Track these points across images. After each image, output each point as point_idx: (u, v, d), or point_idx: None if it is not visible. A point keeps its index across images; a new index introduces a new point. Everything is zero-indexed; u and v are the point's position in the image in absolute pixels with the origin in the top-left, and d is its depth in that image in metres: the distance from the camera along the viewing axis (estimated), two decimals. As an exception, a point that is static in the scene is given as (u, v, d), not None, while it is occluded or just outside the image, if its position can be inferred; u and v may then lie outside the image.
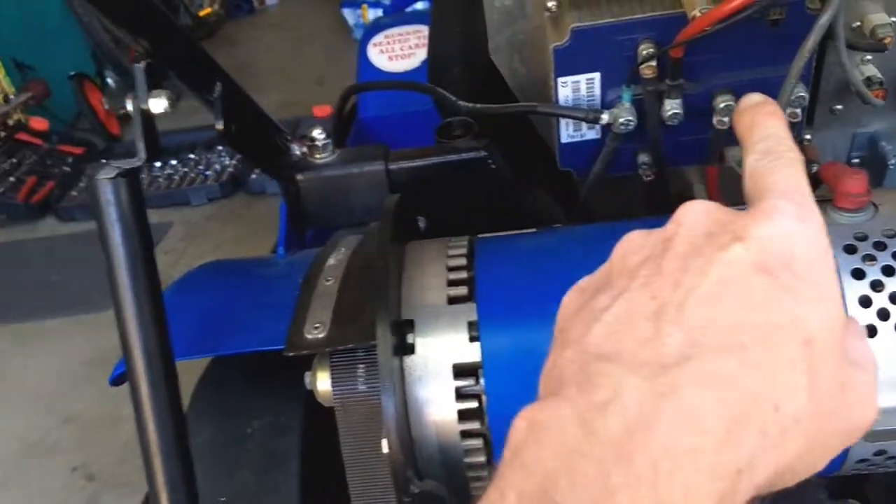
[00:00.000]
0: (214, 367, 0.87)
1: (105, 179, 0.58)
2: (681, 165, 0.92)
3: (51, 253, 2.79)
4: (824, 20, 0.72)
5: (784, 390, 0.33)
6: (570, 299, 0.40)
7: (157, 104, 0.59)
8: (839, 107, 0.94)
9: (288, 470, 0.78)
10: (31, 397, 2.11)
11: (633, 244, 0.39)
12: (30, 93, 3.43)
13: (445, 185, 0.97)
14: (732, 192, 0.97)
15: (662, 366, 0.32)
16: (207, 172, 3.02)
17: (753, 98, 0.47)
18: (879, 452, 0.66)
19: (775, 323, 0.33)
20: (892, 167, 0.94)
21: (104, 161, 0.59)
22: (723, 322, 0.33)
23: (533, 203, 1.03)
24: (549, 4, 0.85)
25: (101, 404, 1.90)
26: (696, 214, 0.38)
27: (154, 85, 0.59)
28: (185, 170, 3.06)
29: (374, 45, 2.28)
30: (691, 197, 1.07)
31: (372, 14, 4.27)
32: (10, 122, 3.41)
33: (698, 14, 0.74)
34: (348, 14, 4.61)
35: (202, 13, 4.98)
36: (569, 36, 0.82)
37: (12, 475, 1.87)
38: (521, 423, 0.34)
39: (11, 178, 3.13)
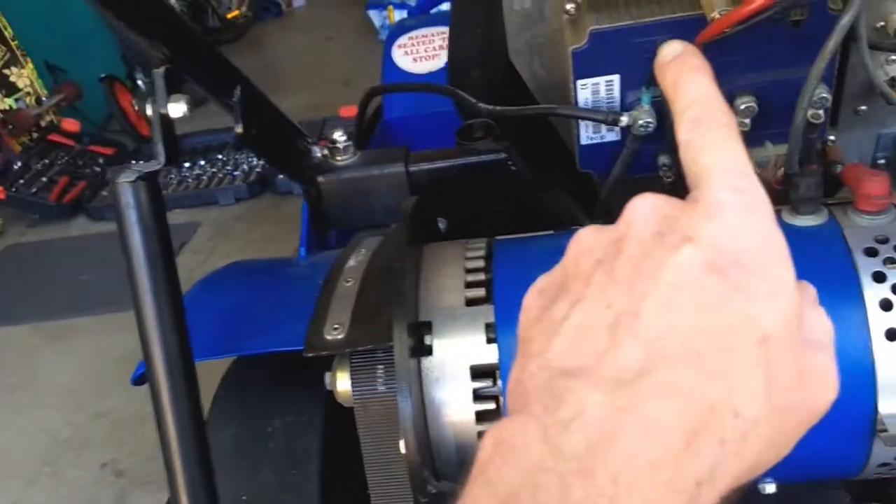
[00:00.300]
0: (237, 367, 0.88)
1: (125, 182, 0.59)
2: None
3: (82, 252, 2.83)
4: (846, 21, 0.71)
5: (742, 396, 0.32)
6: (529, 302, 0.40)
7: (177, 109, 0.60)
8: (864, 108, 0.93)
9: (308, 469, 0.79)
10: (62, 394, 2.15)
11: (586, 244, 0.38)
12: (62, 95, 3.49)
13: (465, 187, 0.97)
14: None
15: (622, 380, 0.32)
16: (235, 173, 3.05)
17: (674, 47, 0.44)
18: (901, 457, 0.66)
19: (729, 326, 0.33)
20: (917, 168, 0.93)
21: (124, 164, 0.60)
22: (678, 331, 0.33)
23: (553, 205, 1.03)
24: (568, 7, 0.85)
25: (130, 402, 1.92)
26: (644, 211, 0.37)
27: (173, 89, 0.60)
28: (214, 170, 3.10)
29: (399, 46, 2.29)
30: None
31: (398, 15, 4.29)
32: (43, 124, 3.48)
33: (717, 16, 0.74)
34: (374, 15, 4.64)
35: (230, 15, 5.03)
36: (587, 38, 0.82)
37: (44, 470, 1.91)
38: (488, 441, 0.34)
39: (44, 179, 3.19)
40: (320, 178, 0.92)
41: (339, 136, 0.92)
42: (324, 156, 0.91)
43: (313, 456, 0.79)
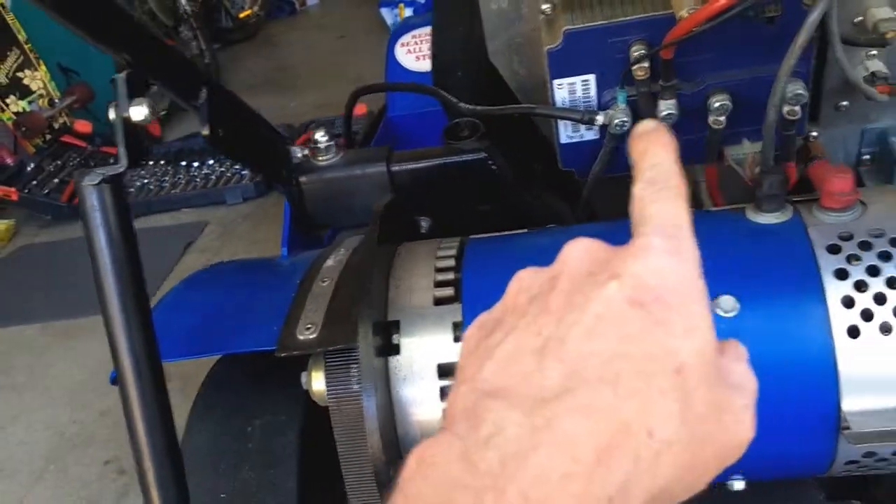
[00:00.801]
0: (220, 367, 0.89)
1: (89, 186, 0.60)
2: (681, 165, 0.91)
3: (93, 253, 2.85)
4: (814, 17, 0.71)
5: (657, 416, 0.34)
6: (470, 335, 0.43)
7: (138, 112, 0.61)
8: (845, 103, 0.92)
9: (287, 468, 0.80)
10: (69, 392, 2.18)
11: (525, 282, 0.41)
12: (74, 96, 3.53)
13: (448, 186, 0.98)
14: (734, 191, 0.96)
15: (542, 399, 0.34)
16: (243, 172, 3.07)
17: (648, 125, 0.48)
18: (869, 454, 0.65)
19: (648, 354, 0.35)
20: (901, 163, 0.92)
21: (89, 168, 0.61)
22: (600, 355, 0.35)
23: (536, 203, 1.04)
24: (544, 7, 0.85)
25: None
26: (578, 253, 0.40)
27: (139, 93, 0.61)
28: (222, 169, 3.12)
29: (402, 44, 2.29)
30: (697, 198, 1.07)
31: (409, 13, 4.30)
32: (56, 126, 3.51)
33: (685, 14, 0.74)
34: (386, 13, 4.64)
35: (242, 15, 5.06)
36: (561, 38, 0.83)
37: (50, 466, 1.94)
38: (412, 459, 0.35)
39: (56, 180, 3.22)
40: (302, 179, 0.93)
41: (320, 135, 0.93)
42: (305, 156, 0.92)
43: (292, 455, 0.80)
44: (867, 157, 0.98)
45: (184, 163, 3.22)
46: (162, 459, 0.63)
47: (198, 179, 3.07)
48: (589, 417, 0.33)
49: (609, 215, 1.01)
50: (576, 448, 0.32)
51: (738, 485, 0.69)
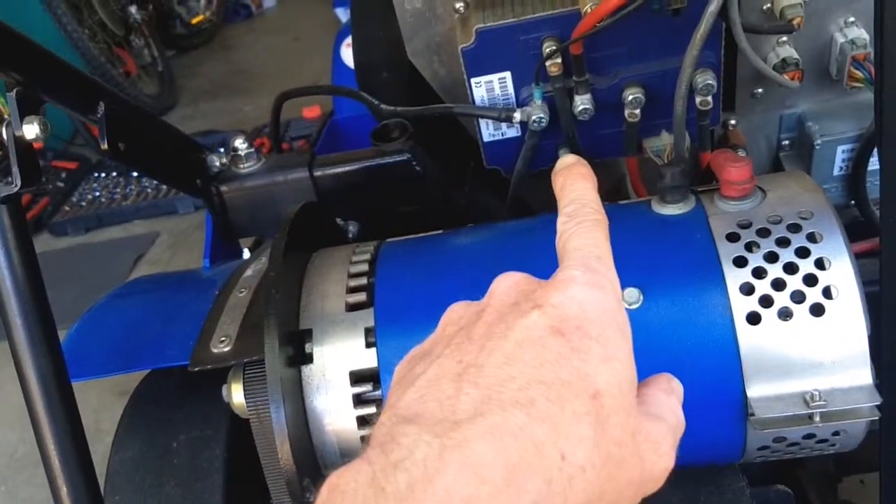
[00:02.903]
0: (146, 382, 0.88)
1: (-15, 206, 0.59)
2: (602, 158, 0.92)
3: (44, 269, 2.81)
4: (713, 8, 0.71)
5: (571, 440, 0.35)
6: (399, 368, 0.43)
7: (30, 130, 0.60)
8: (760, 90, 0.93)
9: (213, 482, 0.79)
10: (18, 412, 2.12)
11: (454, 315, 0.43)
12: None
13: (373, 189, 0.97)
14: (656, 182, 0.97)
15: (456, 422, 0.34)
16: (196, 181, 3.04)
17: (567, 160, 0.52)
18: (779, 439, 0.66)
19: (565, 380, 0.36)
20: (818, 147, 0.93)
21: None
22: (517, 380, 0.36)
23: (465, 201, 1.04)
24: (458, 6, 0.85)
25: (84, 417, 1.91)
26: (505, 287, 0.42)
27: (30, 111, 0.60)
28: (175, 179, 3.09)
29: (348, 45, 2.28)
30: (625, 190, 1.08)
31: (363, 12, 4.27)
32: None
33: (589, 10, 0.74)
34: (341, 13, 4.59)
35: (195, 20, 5.00)
36: (474, 37, 0.82)
37: (0, 487, 1.91)
38: (324, 488, 0.35)
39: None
40: (223, 188, 0.92)
41: (240, 143, 0.92)
42: (223, 164, 0.91)
43: (218, 469, 0.79)
44: (786, 142, 0.99)
45: (135, 173, 3.18)
46: (74, 477, 0.62)
47: (149, 190, 3.03)
48: (499, 439, 0.33)
49: (541, 209, 1.01)
50: (484, 469, 0.32)
51: (657, 475, 0.69)
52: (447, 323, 0.43)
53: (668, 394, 0.43)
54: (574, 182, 0.48)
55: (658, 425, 0.40)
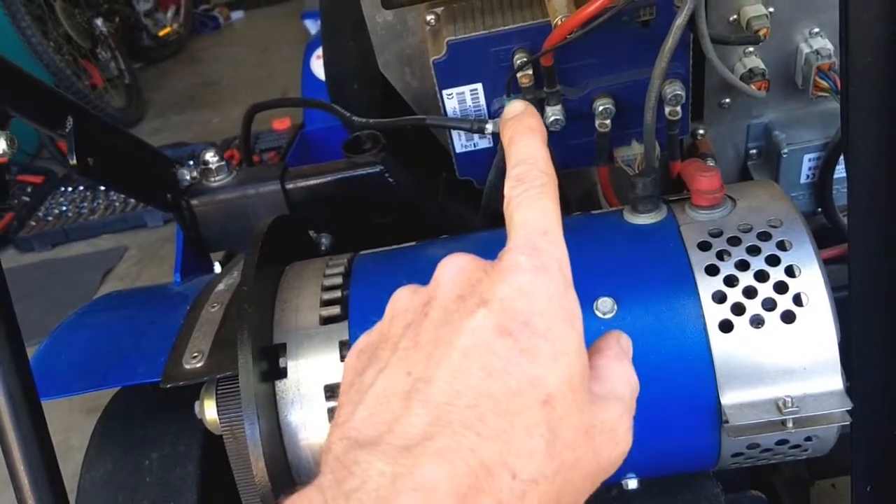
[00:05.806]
0: (118, 399, 0.87)
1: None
2: (574, 168, 0.92)
3: (11, 284, 2.76)
4: (681, 20, 0.72)
5: (522, 457, 0.34)
6: (349, 365, 0.42)
7: (-5, 147, 0.59)
8: (727, 100, 0.95)
9: (186, 500, 0.78)
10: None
11: (400, 306, 0.42)
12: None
13: (346, 201, 0.97)
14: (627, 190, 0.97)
15: (407, 447, 0.34)
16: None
17: (515, 107, 0.48)
18: (753, 446, 0.67)
19: (514, 389, 0.35)
20: (785, 155, 0.95)
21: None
22: (465, 396, 0.35)
23: (439, 213, 1.04)
24: (429, 18, 0.86)
25: (54, 435, 1.87)
26: (450, 275, 0.40)
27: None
28: (143, 192, 3.05)
29: (318, 57, 2.28)
30: (596, 198, 1.08)
31: (331, 24, 4.27)
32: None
33: (559, 23, 0.75)
34: (310, 25, 4.60)
35: (162, 33, 4.97)
36: (446, 49, 0.83)
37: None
38: None
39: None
40: (194, 201, 0.91)
41: (210, 156, 0.91)
42: (194, 178, 0.90)
43: (191, 486, 0.78)
44: (754, 151, 1.01)
45: (102, 187, 3.14)
46: (44, 497, 0.61)
47: (117, 203, 3.00)
48: (451, 463, 0.33)
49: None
50: (435, 495, 0.32)
51: (632, 483, 0.70)
52: (393, 315, 0.42)
53: (621, 359, 0.42)
54: (523, 137, 0.45)
55: (613, 408, 0.39)
